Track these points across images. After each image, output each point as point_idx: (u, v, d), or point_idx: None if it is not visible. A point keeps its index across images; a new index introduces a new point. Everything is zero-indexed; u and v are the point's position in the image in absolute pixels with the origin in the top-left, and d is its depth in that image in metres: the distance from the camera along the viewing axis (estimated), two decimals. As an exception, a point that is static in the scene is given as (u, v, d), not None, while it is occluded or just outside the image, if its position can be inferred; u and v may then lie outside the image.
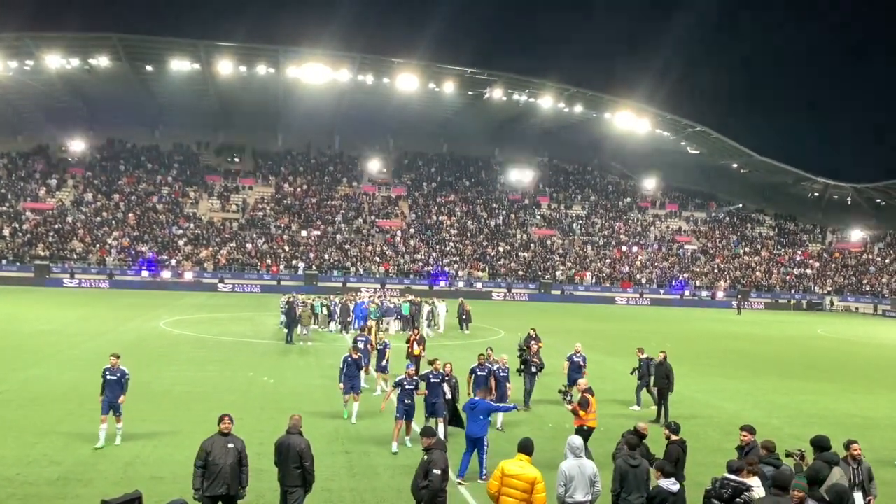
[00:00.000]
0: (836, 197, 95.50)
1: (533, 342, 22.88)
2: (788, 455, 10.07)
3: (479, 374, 16.85)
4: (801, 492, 7.99)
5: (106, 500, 7.65)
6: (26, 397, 17.75)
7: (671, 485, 8.65)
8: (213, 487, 9.37)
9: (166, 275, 65.51)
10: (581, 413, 13.47)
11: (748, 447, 10.32)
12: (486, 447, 12.87)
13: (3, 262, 63.52)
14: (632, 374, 20.31)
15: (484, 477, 12.45)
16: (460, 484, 12.51)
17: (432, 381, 14.93)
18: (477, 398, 13.26)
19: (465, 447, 12.97)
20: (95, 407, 17.13)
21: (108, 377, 14.27)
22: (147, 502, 7.72)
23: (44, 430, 14.88)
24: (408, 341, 23.03)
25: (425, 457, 9.48)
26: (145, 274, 65.16)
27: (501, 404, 15.24)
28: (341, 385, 16.94)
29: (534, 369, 19.56)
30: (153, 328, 34.26)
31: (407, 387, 14.73)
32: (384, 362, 20.93)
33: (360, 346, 21.75)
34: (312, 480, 9.90)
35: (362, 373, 18.72)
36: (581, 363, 20.09)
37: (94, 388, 19.12)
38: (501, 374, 17.45)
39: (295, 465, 9.71)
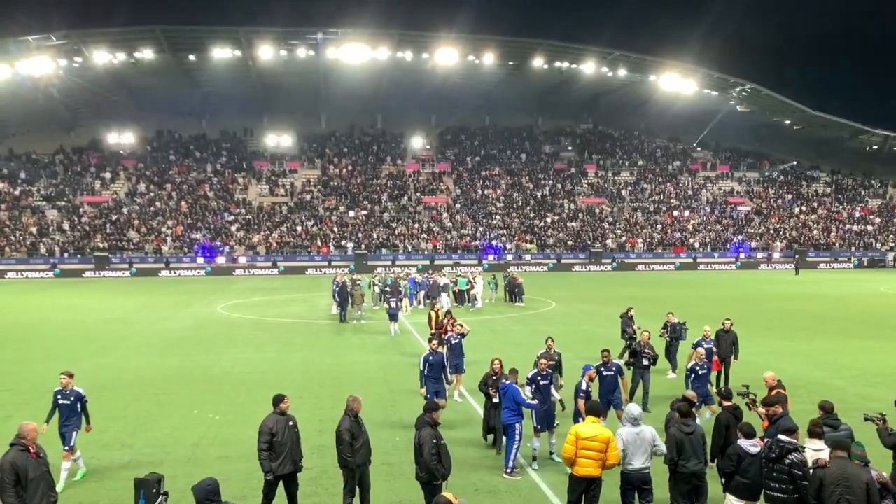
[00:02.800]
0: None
1: (636, 328, 19.83)
2: (868, 419, 9.51)
3: (605, 373, 13.64)
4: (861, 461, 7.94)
5: (139, 478, 8.30)
6: (96, 384, 18.36)
7: (751, 446, 8.62)
8: (281, 467, 9.65)
9: (221, 260, 67.04)
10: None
11: (777, 417, 9.90)
12: (516, 437, 11.61)
13: (66, 254, 65.79)
14: (660, 335, 19.57)
15: (510, 471, 11.59)
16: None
17: (541, 382, 12.64)
18: (507, 382, 12.01)
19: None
20: (161, 391, 17.75)
21: (60, 402, 11.55)
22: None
23: (114, 414, 15.42)
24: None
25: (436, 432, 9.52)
26: (200, 260, 66.82)
27: (528, 401, 12.08)
28: (423, 391, 14.31)
29: (646, 362, 15.52)
30: (211, 312, 35.10)
31: (542, 382, 12.55)
32: (459, 360, 16.82)
33: (393, 304, 26.97)
34: (348, 463, 9.82)
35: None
36: (714, 349, 16.33)
37: (157, 372, 19.88)
38: (542, 381, 12.89)
39: (338, 444, 9.95)
